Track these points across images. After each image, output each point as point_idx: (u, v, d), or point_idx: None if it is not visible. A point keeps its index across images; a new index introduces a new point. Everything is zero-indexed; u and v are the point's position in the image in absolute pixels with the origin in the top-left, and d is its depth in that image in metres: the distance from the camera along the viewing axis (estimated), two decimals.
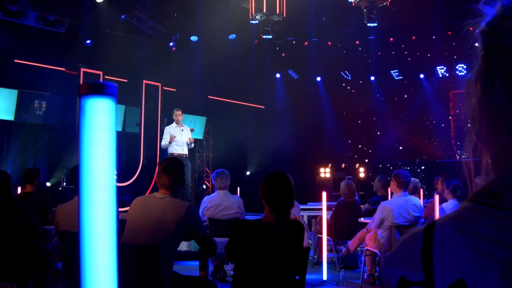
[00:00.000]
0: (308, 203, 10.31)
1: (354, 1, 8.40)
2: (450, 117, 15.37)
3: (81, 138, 0.58)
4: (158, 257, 3.12)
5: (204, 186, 12.20)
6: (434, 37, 13.72)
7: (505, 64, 0.66)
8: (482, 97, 0.69)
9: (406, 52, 14.46)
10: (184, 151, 9.18)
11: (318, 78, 15.86)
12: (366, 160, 15.69)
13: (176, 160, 3.53)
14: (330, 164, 14.75)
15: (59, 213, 3.98)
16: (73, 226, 3.81)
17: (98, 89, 0.60)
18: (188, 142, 9.21)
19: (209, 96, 13.27)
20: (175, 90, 12.17)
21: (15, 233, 4.02)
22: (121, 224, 4.20)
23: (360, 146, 16.16)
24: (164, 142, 9.14)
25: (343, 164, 15.85)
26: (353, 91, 16.16)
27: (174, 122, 9.26)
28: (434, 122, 15.46)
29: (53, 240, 4.71)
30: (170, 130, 9.15)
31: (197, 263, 4.04)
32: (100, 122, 0.60)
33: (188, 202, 8.72)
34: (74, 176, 4.01)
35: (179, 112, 9.25)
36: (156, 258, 3.13)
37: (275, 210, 2.99)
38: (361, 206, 7.29)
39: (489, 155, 0.70)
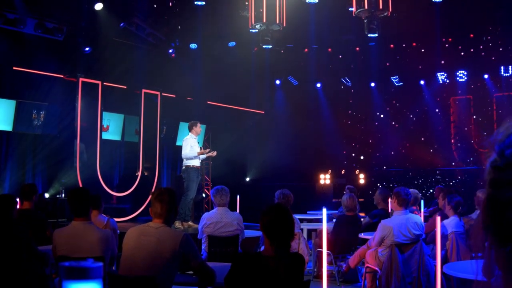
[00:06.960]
0: (308, 212, 10.27)
1: (354, 11, 8.34)
2: (451, 123, 15.33)
3: None
4: None
5: (204, 195, 12.11)
6: (434, 44, 13.67)
7: None
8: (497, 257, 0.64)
9: (406, 59, 14.42)
10: (199, 163, 8.91)
11: (318, 85, 15.82)
12: (367, 167, 15.63)
13: (169, 190, 3.51)
14: (330, 171, 14.71)
15: (57, 238, 3.93)
16: (71, 251, 3.80)
17: (82, 274, 0.55)
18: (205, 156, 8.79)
19: (208, 102, 13.19)
20: (174, 96, 12.11)
21: (13, 259, 3.97)
22: (120, 237, 4.15)
23: (360, 152, 16.11)
24: (194, 153, 8.44)
25: (343, 171, 15.80)
26: (353, 97, 16.12)
27: (192, 134, 8.59)
28: (434, 128, 15.41)
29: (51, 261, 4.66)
30: (191, 142, 8.52)
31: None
32: None
33: (189, 217, 8.62)
34: (71, 201, 3.95)
35: (199, 125, 8.82)
36: None
37: (275, 242, 2.96)
38: (361, 215, 7.22)
39: None
